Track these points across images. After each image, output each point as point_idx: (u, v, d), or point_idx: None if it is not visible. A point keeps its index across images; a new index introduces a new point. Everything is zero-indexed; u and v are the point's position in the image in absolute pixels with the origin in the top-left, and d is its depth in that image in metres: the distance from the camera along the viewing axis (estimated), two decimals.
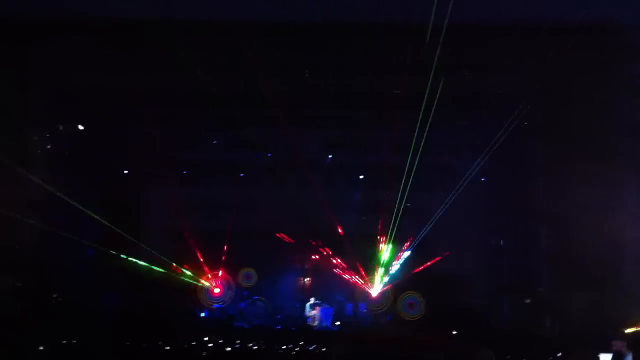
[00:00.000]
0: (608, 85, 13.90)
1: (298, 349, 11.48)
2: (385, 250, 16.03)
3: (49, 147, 15.36)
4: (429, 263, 16.68)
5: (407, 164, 16.24)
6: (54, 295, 14.66)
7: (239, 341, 11.60)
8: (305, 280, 16.15)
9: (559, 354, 5.68)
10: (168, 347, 10.88)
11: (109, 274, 14.69)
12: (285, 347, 11.52)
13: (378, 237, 16.14)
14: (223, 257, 15.45)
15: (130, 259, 14.79)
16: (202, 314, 15.01)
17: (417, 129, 15.48)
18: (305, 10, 12.66)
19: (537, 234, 15.86)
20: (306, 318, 14.95)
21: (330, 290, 15.78)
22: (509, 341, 11.79)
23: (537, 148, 15.75)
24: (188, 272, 15.21)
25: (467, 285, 16.32)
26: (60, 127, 15.65)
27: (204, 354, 10.47)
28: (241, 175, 16.23)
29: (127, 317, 12.64)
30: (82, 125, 15.60)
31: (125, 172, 16.50)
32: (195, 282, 15.21)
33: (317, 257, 15.81)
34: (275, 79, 14.18)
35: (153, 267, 14.95)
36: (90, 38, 13.11)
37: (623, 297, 13.56)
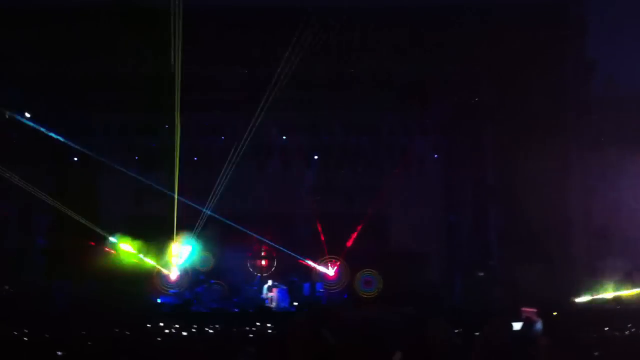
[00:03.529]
0: (555, 62, 14.20)
1: (255, 329, 11.50)
2: (341, 230, 16.17)
3: None
4: (385, 241, 17.00)
5: (365, 144, 16.47)
6: (6, 287, 14.34)
7: (195, 325, 11.54)
8: (263, 262, 16.18)
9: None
10: (125, 333, 10.76)
11: (62, 262, 14.49)
12: (242, 329, 11.51)
13: (335, 217, 16.31)
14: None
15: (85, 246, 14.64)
16: (159, 300, 14.88)
17: (370, 110, 15.72)
18: None
19: (490, 210, 16.22)
20: (264, 300, 15.02)
21: (288, 271, 15.88)
22: (459, 314, 12.08)
23: (489, 126, 16.07)
24: (144, 258, 15.04)
25: (425, 262, 16.65)
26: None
27: (158, 339, 10.40)
28: (194, 159, 16.17)
29: (80, 306, 12.44)
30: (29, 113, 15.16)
31: (76, 159, 16.22)
32: (151, 268, 15.06)
33: (273, 238, 15.82)
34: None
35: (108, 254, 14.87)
36: None
37: (572, 269, 14.05)
